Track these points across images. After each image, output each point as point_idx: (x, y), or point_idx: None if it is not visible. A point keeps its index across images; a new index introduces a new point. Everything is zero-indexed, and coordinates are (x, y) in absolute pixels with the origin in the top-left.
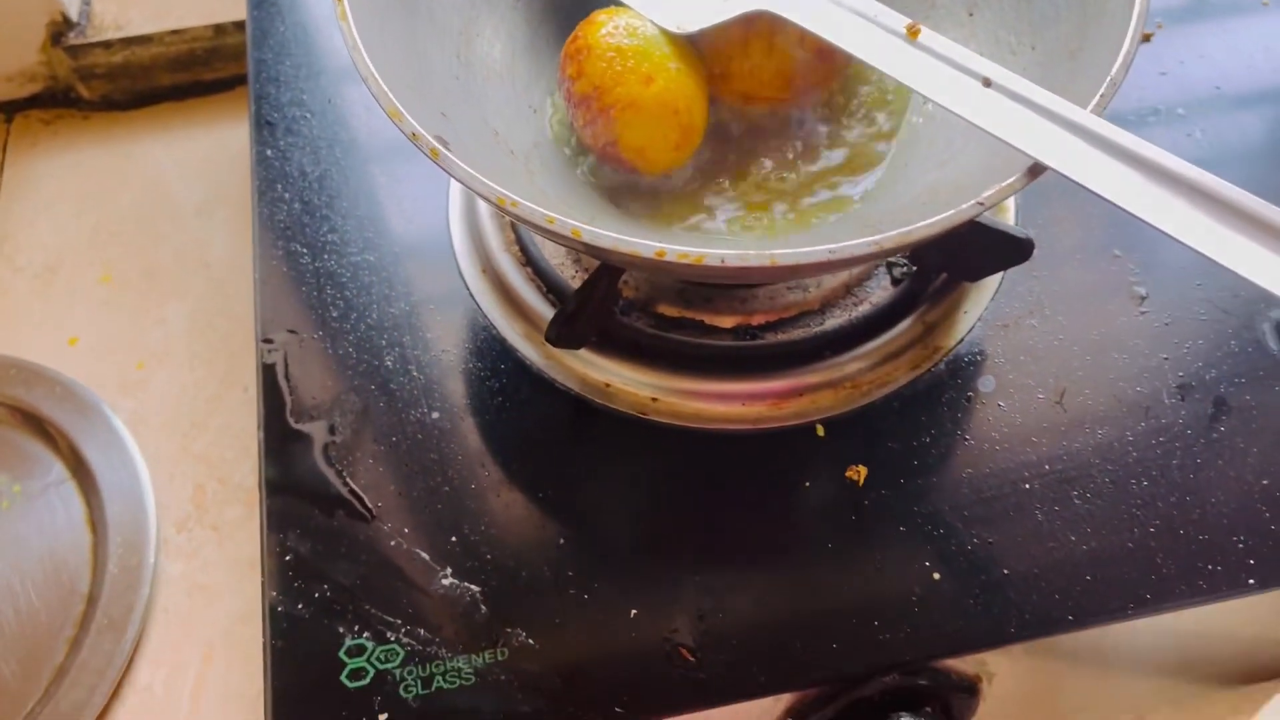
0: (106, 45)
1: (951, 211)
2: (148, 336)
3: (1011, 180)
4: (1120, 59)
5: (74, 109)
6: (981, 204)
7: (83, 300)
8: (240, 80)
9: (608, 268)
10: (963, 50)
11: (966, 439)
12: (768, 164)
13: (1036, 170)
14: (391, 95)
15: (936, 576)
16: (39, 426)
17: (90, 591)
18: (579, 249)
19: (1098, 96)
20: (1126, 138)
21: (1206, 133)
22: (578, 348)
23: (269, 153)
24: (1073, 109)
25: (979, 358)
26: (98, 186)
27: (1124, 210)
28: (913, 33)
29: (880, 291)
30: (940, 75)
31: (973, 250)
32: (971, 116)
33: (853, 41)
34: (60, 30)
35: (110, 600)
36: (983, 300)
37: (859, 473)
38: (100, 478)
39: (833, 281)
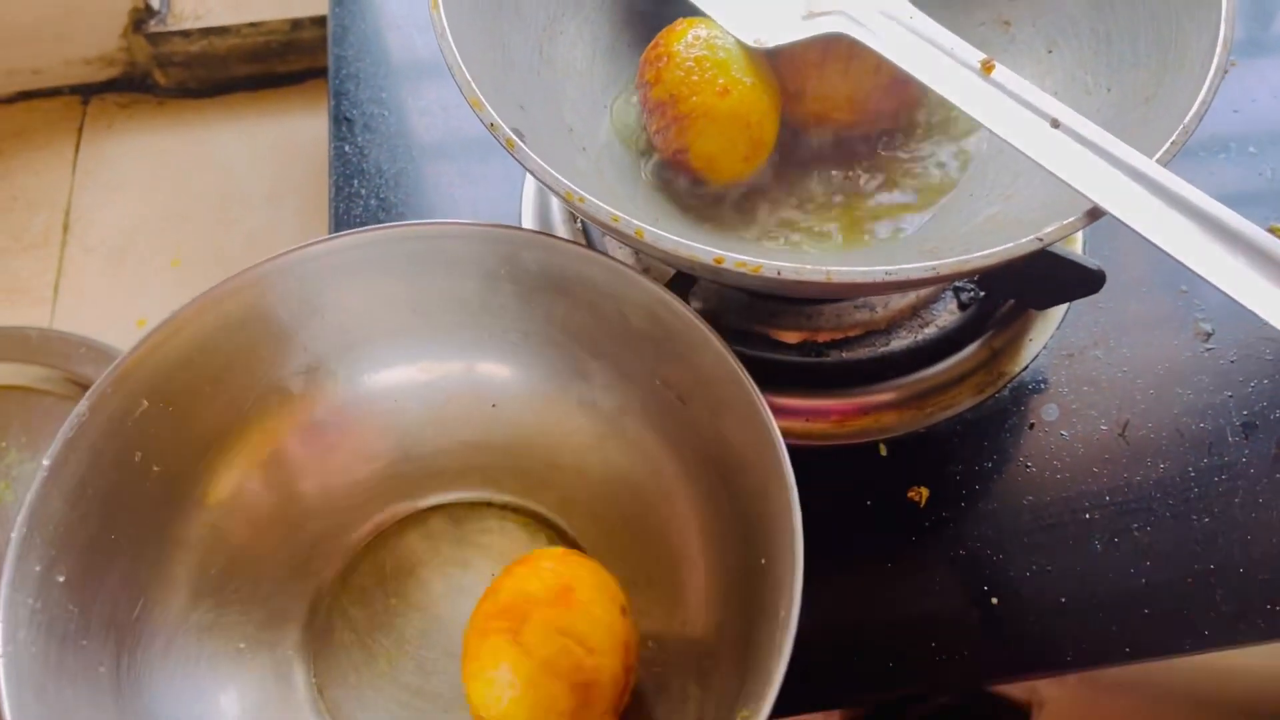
0: (185, 34)
1: (1010, 244)
2: None
3: (1072, 220)
4: (1194, 109)
5: (150, 95)
6: (1040, 240)
7: (152, 282)
8: (312, 74)
9: (680, 277)
10: (1034, 89)
11: (1028, 466)
12: (833, 183)
13: (1096, 214)
14: (474, 85)
15: (995, 601)
16: None
17: None
18: (641, 249)
19: (1167, 144)
20: (1189, 190)
21: (1278, 171)
22: None
23: (347, 148)
24: (1137, 156)
25: (1043, 386)
26: (170, 171)
27: (1180, 263)
28: (987, 68)
29: (947, 315)
30: (1009, 112)
31: (1043, 279)
32: (1036, 156)
33: (927, 72)
34: (142, 17)
35: None
36: (1048, 329)
37: (920, 494)
38: None
39: (900, 302)
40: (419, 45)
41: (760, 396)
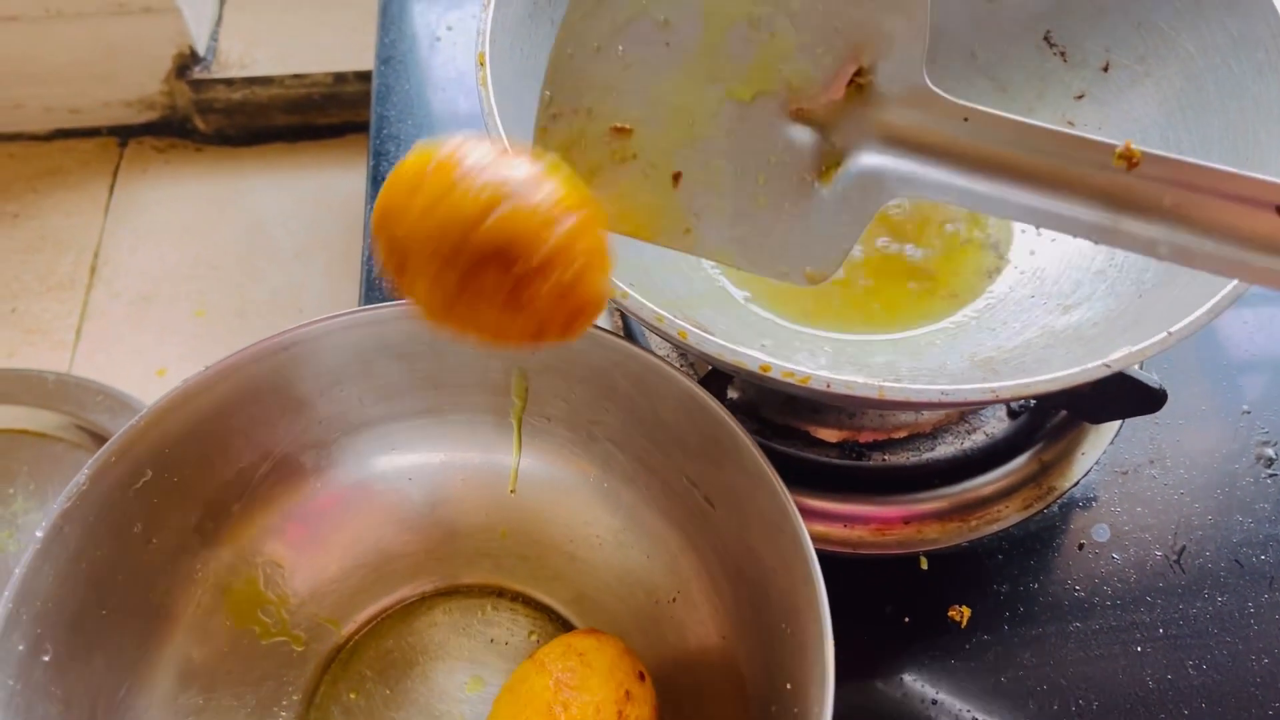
0: (229, 82)
1: (1076, 369)
2: None
3: (1144, 345)
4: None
5: (188, 140)
6: (1108, 365)
7: (175, 332)
8: (352, 128)
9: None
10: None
11: (1076, 590)
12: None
13: (1170, 340)
14: None
15: None
16: None
17: None
18: (685, 350)
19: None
20: None
21: None
22: None
23: None
24: None
25: (1094, 504)
26: (202, 219)
27: None
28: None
29: (996, 422)
30: None
31: (1099, 393)
32: None
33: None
34: (186, 63)
35: None
36: (1101, 443)
37: (962, 614)
38: None
39: None
40: (463, 109)
41: (795, 509)
